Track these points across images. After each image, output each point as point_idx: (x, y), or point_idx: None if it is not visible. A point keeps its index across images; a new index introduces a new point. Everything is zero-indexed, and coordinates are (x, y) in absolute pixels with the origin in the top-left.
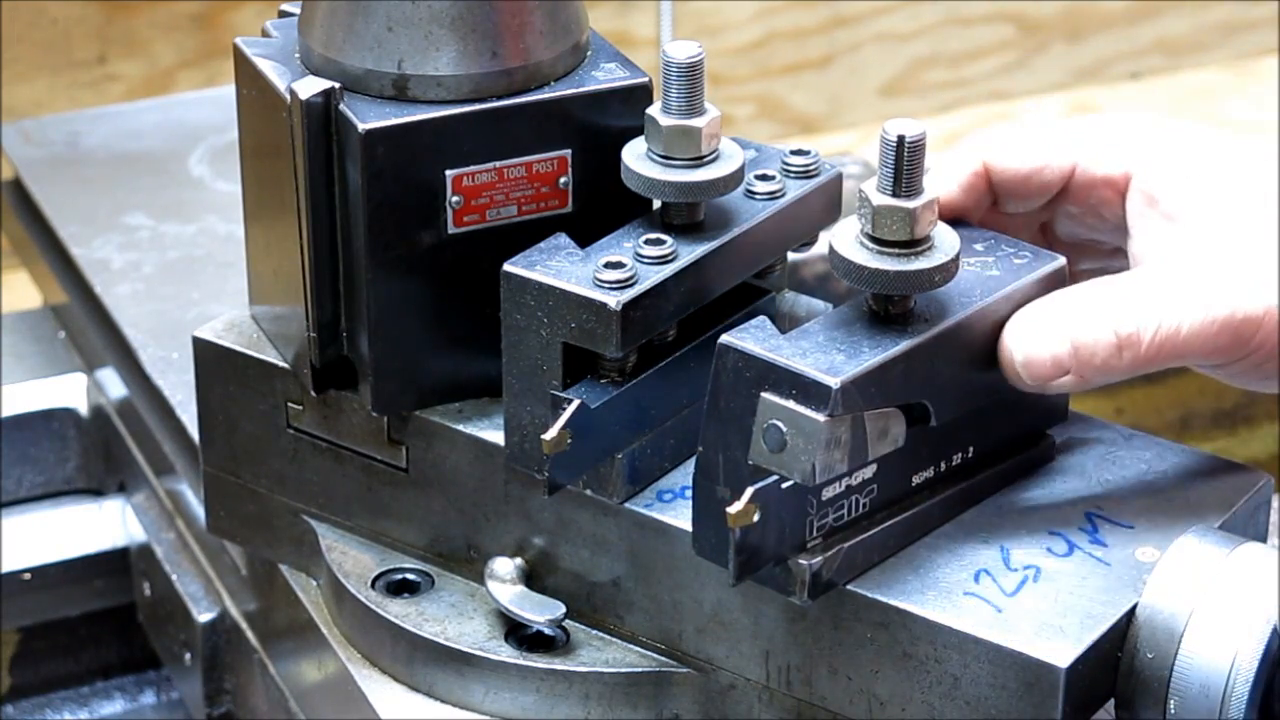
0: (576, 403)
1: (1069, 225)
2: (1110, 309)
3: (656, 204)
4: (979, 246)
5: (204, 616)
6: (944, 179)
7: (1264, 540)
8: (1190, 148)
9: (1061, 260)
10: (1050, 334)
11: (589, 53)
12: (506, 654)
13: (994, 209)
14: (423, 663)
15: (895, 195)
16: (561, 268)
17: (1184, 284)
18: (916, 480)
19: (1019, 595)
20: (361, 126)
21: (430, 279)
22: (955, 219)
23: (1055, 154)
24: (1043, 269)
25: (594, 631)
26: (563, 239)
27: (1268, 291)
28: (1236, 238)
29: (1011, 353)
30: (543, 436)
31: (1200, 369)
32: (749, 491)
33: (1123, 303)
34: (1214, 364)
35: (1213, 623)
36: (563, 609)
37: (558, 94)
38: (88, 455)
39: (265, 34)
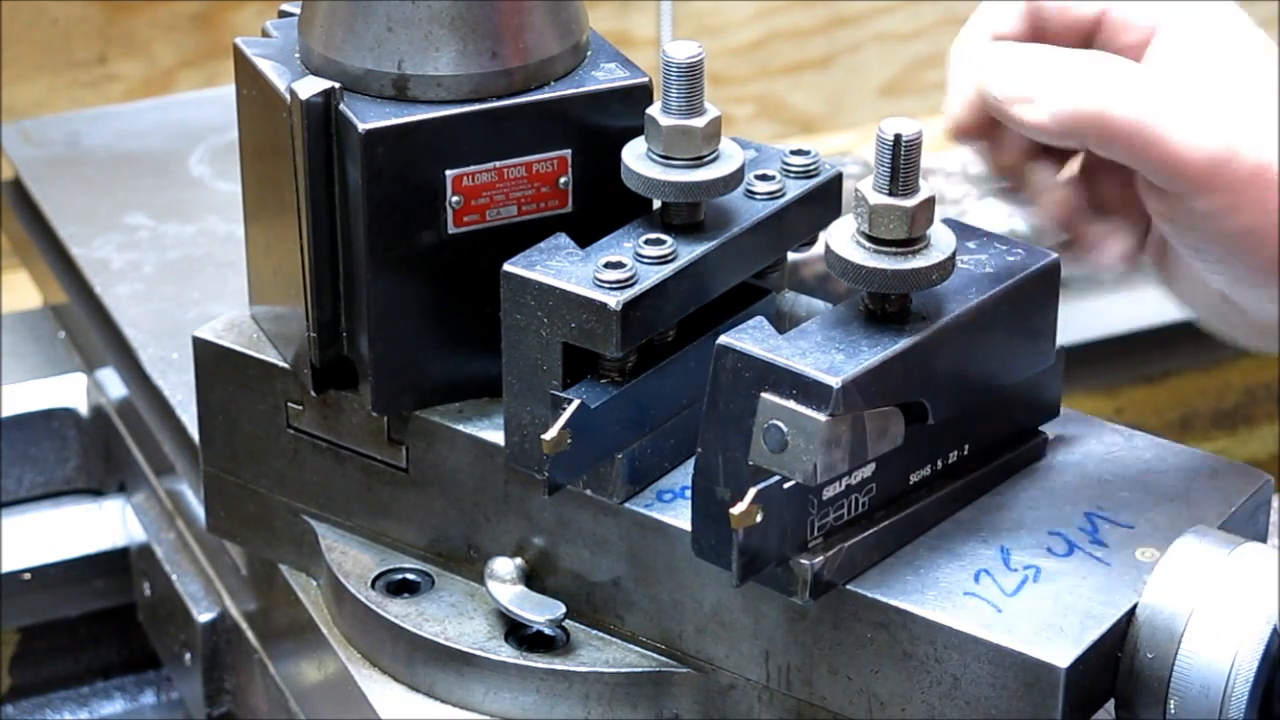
0: (576, 403)
1: None
2: (1100, 73)
3: (656, 204)
4: (972, 244)
5: (204, 616)
6: (1001, 16)
7: (1264, 540)
8: (1219, 9)
9: (1054, 256)
10: (1028, 73)
11: (589, 53)
12: (506, 654)
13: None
14: (423, 663)
15: (892, 194)
16: (561, 268)
17: (1183, 99)
18: (914, 479)
19: (1019, 595)
20: (361, 126)
21: (430, 279)
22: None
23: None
24: (1036, 266)
25: (594, 631)
26: (563, 239)
27: (1252, 142)
28: (1256, 85)
29: (984, 78)
30: (543, 436)
31: (1153, 206)
32: (752, 492)
33: (1115, 74)
34: (1182, 193)
35: (1213, 623)
36: (563, 609)
37: (558, 94)
38: (88, 455)
39: (265, 34)
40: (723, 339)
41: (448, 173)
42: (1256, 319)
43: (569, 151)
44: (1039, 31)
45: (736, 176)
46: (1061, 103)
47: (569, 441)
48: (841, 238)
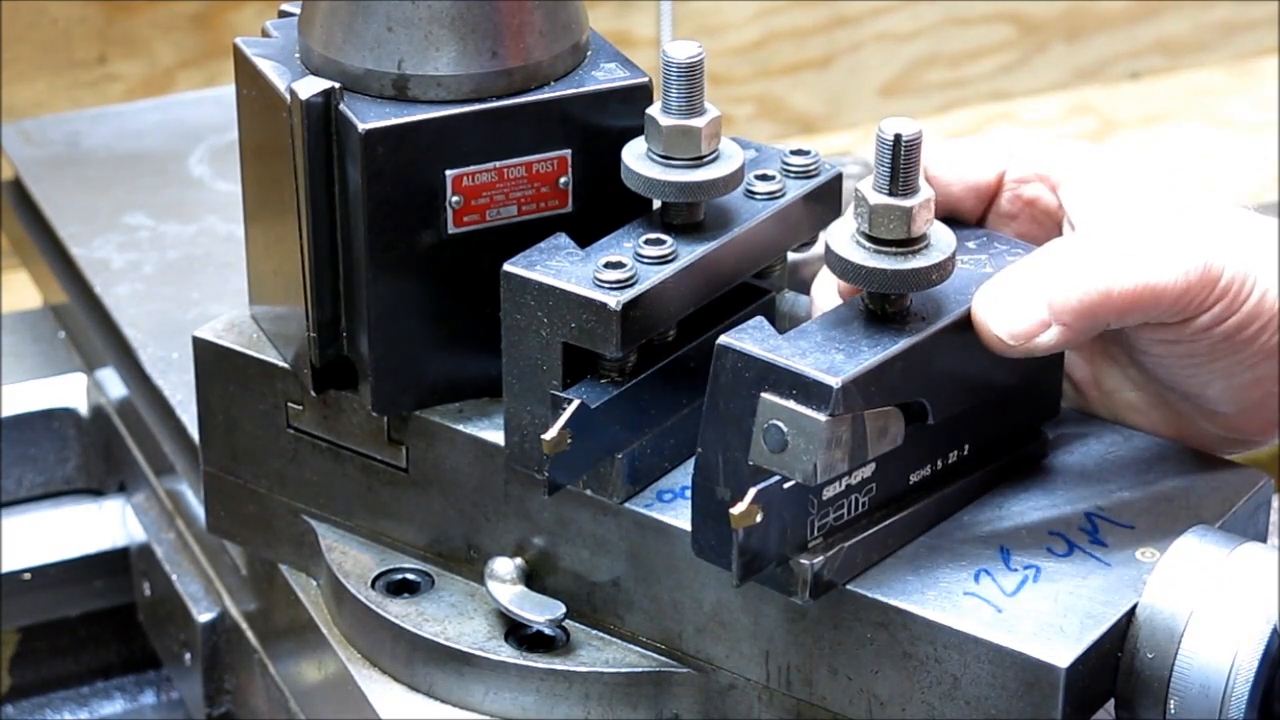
0: (576, 403)
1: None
2: (1082, 262)
3: (656, 204)
4: (972, 244)
5: (204, 616)
6: None
7: (1264, 540)
8: (1117, 162)
9: None
10: (1024, 297)
11: (589, 53)
12: (506, 654)
13: None
14: (423, 663)
15: (892, 194)
16: (561, 268)
17: (1156, 236)
18: (914, 479)
19: (1019, 595)
20: (361, 126)
21: (430, 279)
22: (946, 218)
23: (987, 155)
24: None
25: (594, 631)
26: (563, 239)
27: (1232, 252)
28: (1184, 209)
29: (988, 326)
30: (543, 436)
31: (1148, 336)
32: (752, 492)
33: (1096, 255)
34: (1178, 319)
35: (1213, 623)
36: (563, 609)
37: (558, 94)
38: (88, 455)
39: (265, 34)
40: (723, 339)
41: (448, 173)
42: (1223, 422)
43: (569, 151)
44: (939, 207)
45: (736, 176)
46: (1072, 310)
47: (569, 441)
48: (841, 238)
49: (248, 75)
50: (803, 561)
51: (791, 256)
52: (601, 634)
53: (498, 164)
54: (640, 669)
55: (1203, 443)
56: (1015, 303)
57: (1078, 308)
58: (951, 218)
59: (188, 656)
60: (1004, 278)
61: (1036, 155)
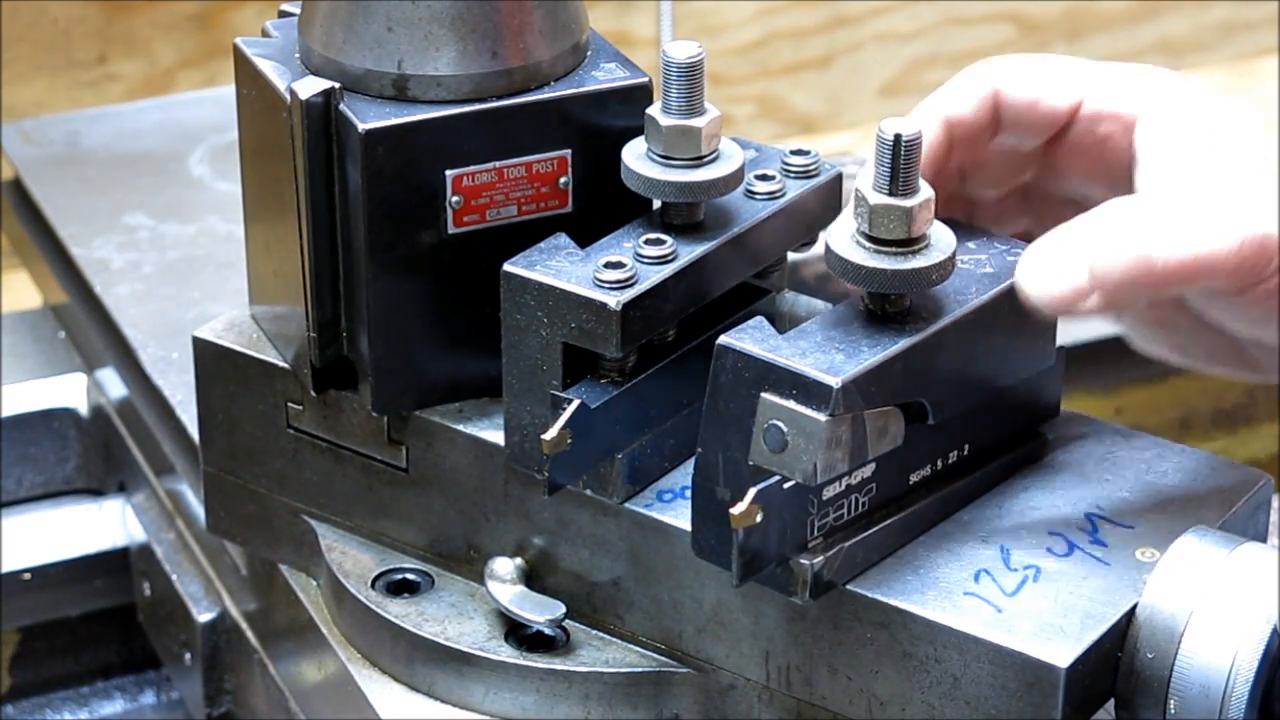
0: (576, 403)
1: (1065, 172)
2: (1132, 229)
3: (656, 204)
4: (972, 244)
5: (204, 616)
6: (956, 97)
7: (1264, 540)
8: (1196, 93)
9: None
10: (1066, 262)
11: (589, 53)
12: (506, 654)
13: (990, 152)
14: (423, 663)
15: (892, 194)
16: (561, 268)
17: (1210, 205)
18: (914, 479)
19: (1019, 595)
20: (361, 126)
21: (430, 279)
22: (964, 140)
23: (1064, 82)
24: None
25: (594, 631)
26: (563, 239)
27: None
28: (1255, 168)
29: (1028, 288)
30: (543, 436)
31: (1214, 305)
32: (752, 492)
33: (1146, 223)
34: (1233, 288)
35: (1213, 623)
36: (563, 609)
37: (558, 94)
38: (88, 455)
39: (265, 34)
40: (723, 339)
41: (448, 173)
42: None
43: (569, 151)
44: (1000, 123)
45: (736, 176)
46: (1114, 282)
47: (569, 441)
48: (841, 238)
49: (248, 75)
50: (803, 561)
51: (791, 256)
52: (601, 634)
53: (498, 164)
54: (640, 669)
55: None
56: (1058, 267)
57: (1120, 278)
58: (1012, 139)
59: (188, 656)
60: (1050, 239)
61: (1117, 89)
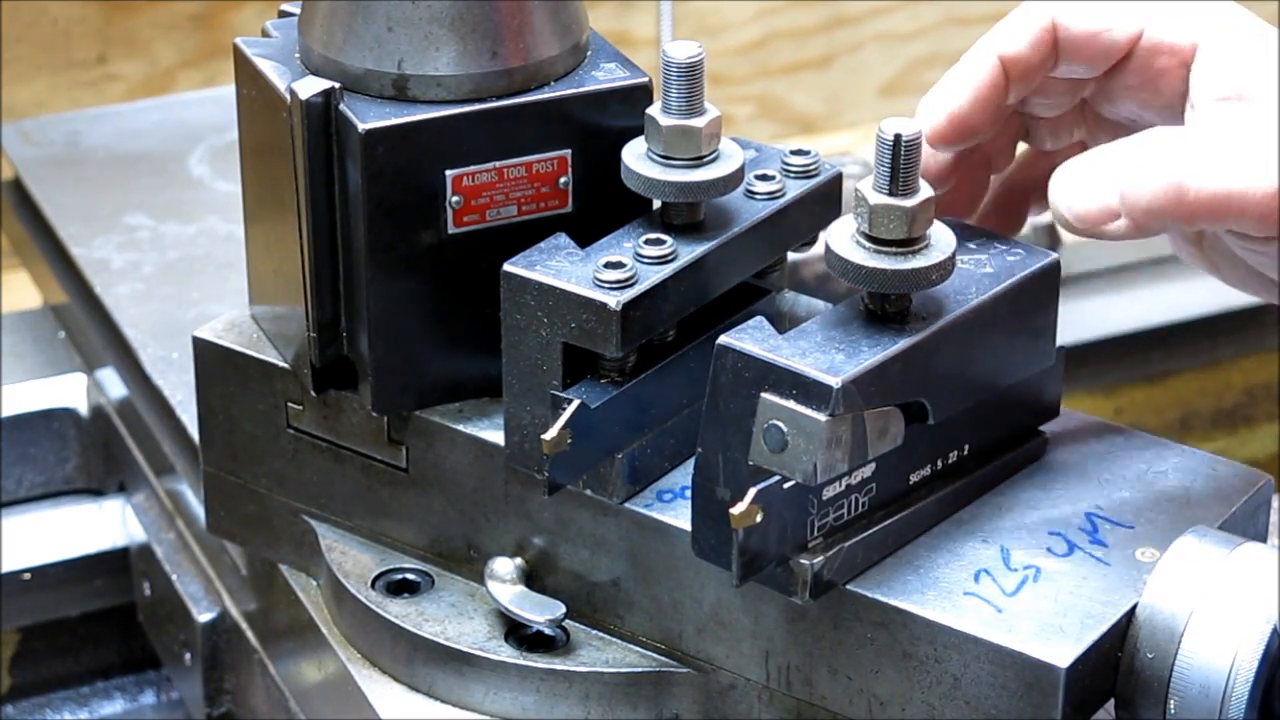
0: (576, 403)
1: (1119, 99)
2: (1162, 156)
3: (656, 204)
4: (972, 244)
5: (204, 616)
6: (1011, 34)
7: (1264, 540)
8: (1260, 30)
9: (1055, 256)
10: (1097, 180)
11: (589, 53)
12: (506, 654)
13: (1049, 81)
14: (423, 663)
15: (892, 194)
16: (561, 268)
17: (1249, 147)
18: (914, 479)
19: (1019, 595)
20: (361, 126)
21: (430, 279)
22: (1020, 78)
23: (1124, 14)
24: (1036, 265)
25: (594, 631)
26: (563, 239)
27: None
28: None
29: (1056, 201)
30: (543, 436)
31: (1244, 247)
32: (752, 492)
33: (1177, 150)
34: (1264, 234)
35: (1213, 623)
36: (563, 609)
37: (558, 94)
38: (88, 455)
39: (265, 34)
40: (723, 339)
41: (448, 173)
42: None
43: (569, 151)
44: (1059, 56)
45: (736, 176)
46: (1142, 208)
47: (569, 441)
48: (841, 238)
49: (248, 75)
50: (803, 561)
51: (791, 256)
52: (601, 634)
53: (498, 164)
54: (640, 669)
55: None
56: (1089, 186)
57: (1149, 205)
58: (1070, 70)
59: (188, 656)
60: (1085, 158)
61: (1173, 23)
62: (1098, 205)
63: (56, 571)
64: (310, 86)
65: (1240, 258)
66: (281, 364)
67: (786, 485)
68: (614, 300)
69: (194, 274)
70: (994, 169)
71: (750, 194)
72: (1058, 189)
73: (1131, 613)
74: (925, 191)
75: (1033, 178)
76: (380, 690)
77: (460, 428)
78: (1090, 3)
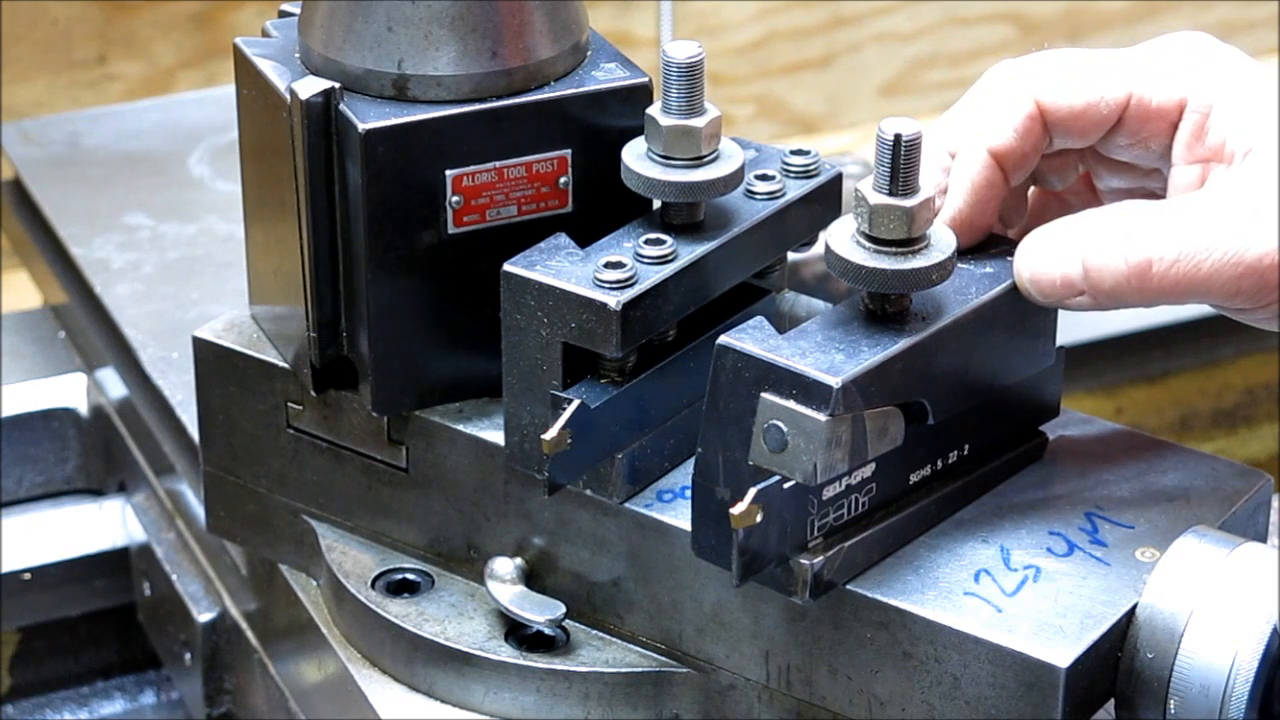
0: (576, 403)
1: (1116, 154)
2: (1127, 233)
3: (656, 204)
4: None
5: (204, 616)
6: (998, 126)
7: (1264, 540)
8: (1244, 78)
9: None
10: (1061, 253)
11: (589, 53)
12: (506, 654)
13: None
14: (423, 663)
15: (892, 194)
16: (561, 268)
17: (1212, 218)
18: (914, 479)
19: (1019, 595)
20: (361, 126)
21: (430, 279)
22: (1016, 167)
23: (1110, 86)
24: None
25: (594, 631)
26: (563, 239)
27: None
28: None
29: (1020, 269)
30: (543, 436)
31: (1224, 310)
32: (752, 492)
33: (1142, 229)
34: (1236, 307)
35: (1213, 623)
36: (563, 609)
37: (558, 94)
38: (88, 455)
39: (265, 34)
40: (723, 339)
41: (448, 173)
42: None
43: (569, 151)
44: (1050, 133)
45: (736, 176)
46: (1105, 289)
47: (569, 441)
48: (841, 238)
49: (248, 75)
50: (803, 561)
51: (791, 256)
52: (601, 634)
53: (498, 164)
54: (640, 669)
55: None
56: (1054, 260)
57: (1112, 287)
58: (1061, 145)
59: (188, 656)
60: (1052, 231)
61: (1159, 87)
62: (1061, 280)
63: (56, 571)
64: (310, 86)
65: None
66: (281, 364)
67: (786, 485)
68: (614, 300)
69: (194, 274)
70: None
71: (750, 194)
72: (1023, 260)
73: (1131, 613)
74: (925, 191)
75: (1039, 216)
76: (380, 690)
77: (460, 428)
78: (1073, 76)
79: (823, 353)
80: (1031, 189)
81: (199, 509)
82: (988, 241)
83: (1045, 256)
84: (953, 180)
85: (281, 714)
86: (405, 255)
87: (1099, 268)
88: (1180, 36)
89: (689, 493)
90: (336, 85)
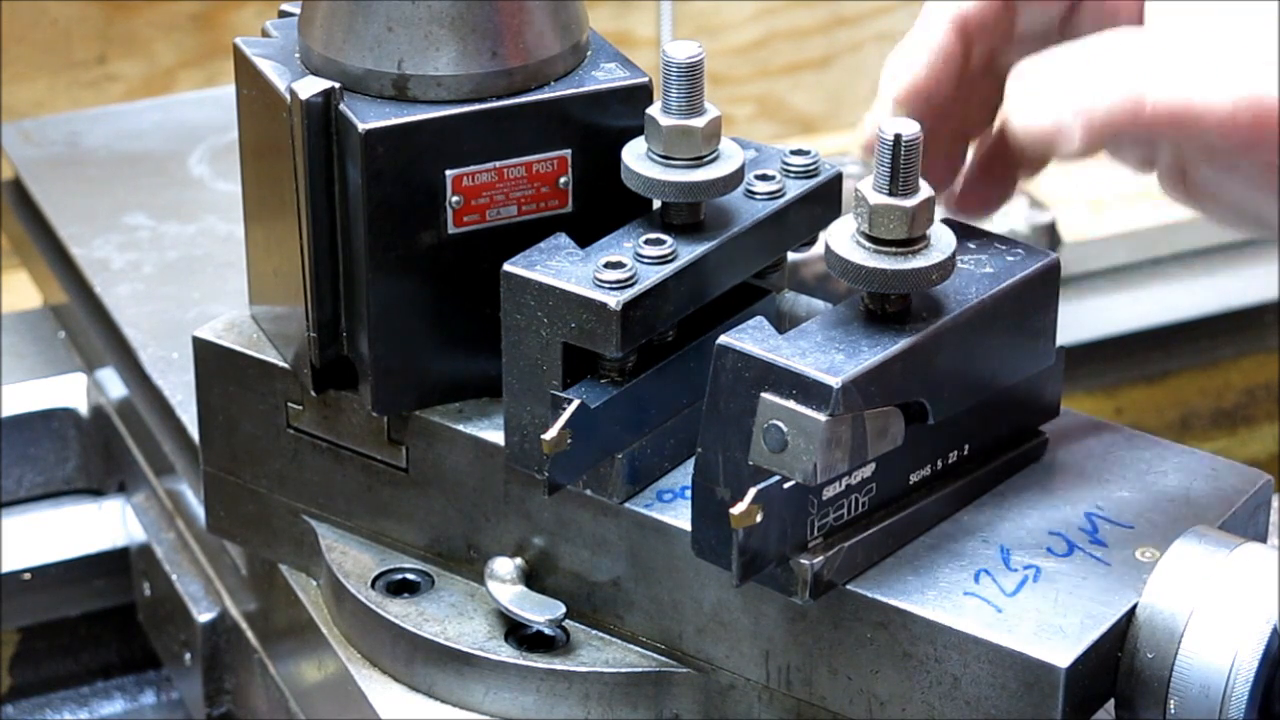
0: (576, 403)
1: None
2: (1120, 65)
3: (656, 204)
4: (972, 244)
5: (204, 616)
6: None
7: (1264, 540)
8: None
9: (1055, 256)
10: (1052, 96)
11: (589, 53)
12: (506, 654)
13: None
14: (423, 663)
15: (892, 194)
16: (561, 268)
17: (1211, 54)
18: (914, 479)
19: (1019, 595)
20: (361, 126)
21: (430, 279)
22: (980, 36)
23: None
24: (1036, 266)
25: (594, 631)
26: (563, 239)
27: None
28: (1268, 16)
29: (1014, 122)
30: (543, 436)
31: (1210, 164)
32: (752, 492)
33: (1139, 61)
34: (1227, 149)
35: (1213, 623)
36: (563, 609)
37: (558, 94)
38: (88, 455)
39: (265, 34)
40: (723, 339)
41: (448, 173)
42: None
43: (569, 151)
44: (1013, 4)
45: (736, 176)
46: (1098, 122)
47: (569, 441)
48: (841, 238)
49: (248, 75)
50: (803, 561)
51: (791, 256)
52: (601, 634)
53: (498, 164)
54: (640, 669)
55: None
56: (1043, 99)
57: (1106, 117)
58: (1030, 21)
59: (188, 656)
60: (1039, 69)
61: None
62: (1053, 121)
63: (56, 571)
64: (310, 86)
65: (1226, 193)
66: (281, 364)
67: (786, 485)
68: (614, 300)
69: (194, 274)
70: (971, 137)
71: (750, 194)
72: (1013, 106)
73: (1131, 613)
74: (925, 191)
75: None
76: (380, 690)
77: (460, 428)
78: None
79: (823, 353)
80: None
81: (199, 509)
82: (986, 239)
83: (1035, 100)
84: (912, 43)
85: (281, 714)
86: (405, 255)
87: (1091, 104)
88: None
89: (689, 493)
90: (336, 85)
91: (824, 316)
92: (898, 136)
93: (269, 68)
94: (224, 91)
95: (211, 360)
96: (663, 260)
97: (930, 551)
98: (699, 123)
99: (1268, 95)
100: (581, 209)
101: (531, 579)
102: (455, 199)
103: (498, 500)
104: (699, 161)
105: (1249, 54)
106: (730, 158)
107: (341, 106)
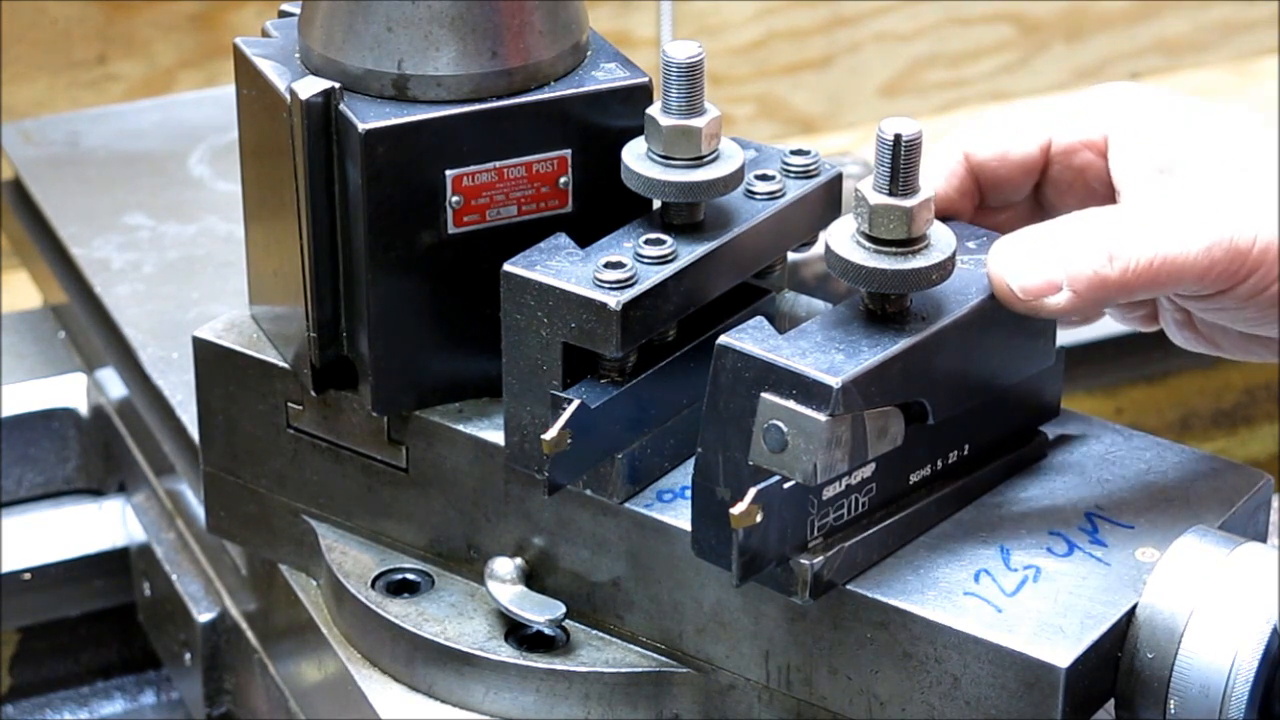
0: (576, 403)
1: (1057, 209)
2: (1102, 231)
3: (656, 204)
4: (972, 244)
5: (204, 616)
6: (933, 178)
7: (1264, 540)
8: (1163, 106)
9: None
10: (1040, 256)
11: (589, 53)
12: (506, 654)
13: (984, 210)
14: (423, 663)
15: (892, 194)
16: (561, 268)
17: (1179, 211)
18: (914, 479)
19: (1019, 595)
20: (361, 126)
21: (430, 279)
22: (947, 217)
23: (1028, 128)
24: None
25: (594, 631)
26: (563, 239)
27: (1265, 221)
28: (1229, 174)
29: (1003, 278)
30: (543, 436)
31: (1195, 306)
32: (752, 492)
33: (1115, 226)
34: (1209, 292)
35: (1213, 623)
36: (563, 609)
37: (558, 94)
38: (88, 455)
39: (265, 34)
40: (723, 339)
41: (448, 173)
42: None
43: (569, 151)
44: (980, 186)
45: (736, 176)
46: (1084, 280)
47: (569, 441)
48: (841, 238)
49: (248, 75)
50: (803, 561)
51: (791, 256)
52: (601, 634)
53: (498, 164)
54: (640, 669)
55: None
56: (1032, 259)
57: (1090, 278)
58: (999, 198)
59: (188, 656)
60: (1025, 233)
61: (1078, 123)
62: (1041, 278)
63: (56, 571)
64: (310, 86)
65: (1234, 331)
66: (281, 364)
67: (786, 485)
68: (614, 300)
69: (194, 274)
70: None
71: (750, 194)
72: (1000, 262)
73: (1131, 613)
74: (925, 191)
75: None
76: (380, 690)
77: (460, 428)
78: (991, 127)
79: (823, 353)
80: None
81: (199, 509)
82: (986, 239)
83: (1024, 258)
84: None
85: (281, 714)
86: (405, 255)
87: (1077, 264)
88: (1100, 85)
89: (689, 493)
90: (336, 85)
91: (824, 316)
92: (898, 136)
93: (269, 68)
94: (224, 91)
95: (211, 360)
96: (663, 260)
97: (930, 551)
98: (699, 123)
99: (1237, 235)
100: (581, 209)
101: (531, 579)
102: (455, 199)
103: (498, 500)
104: (699, 161)
105: (1214, 205)
106: (730, 158)
107: (341, 106)
